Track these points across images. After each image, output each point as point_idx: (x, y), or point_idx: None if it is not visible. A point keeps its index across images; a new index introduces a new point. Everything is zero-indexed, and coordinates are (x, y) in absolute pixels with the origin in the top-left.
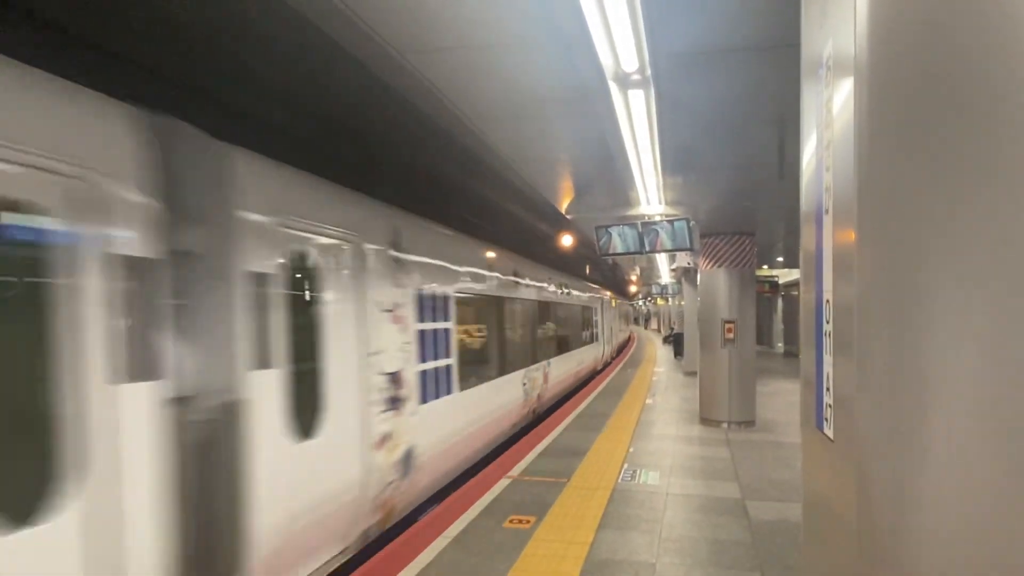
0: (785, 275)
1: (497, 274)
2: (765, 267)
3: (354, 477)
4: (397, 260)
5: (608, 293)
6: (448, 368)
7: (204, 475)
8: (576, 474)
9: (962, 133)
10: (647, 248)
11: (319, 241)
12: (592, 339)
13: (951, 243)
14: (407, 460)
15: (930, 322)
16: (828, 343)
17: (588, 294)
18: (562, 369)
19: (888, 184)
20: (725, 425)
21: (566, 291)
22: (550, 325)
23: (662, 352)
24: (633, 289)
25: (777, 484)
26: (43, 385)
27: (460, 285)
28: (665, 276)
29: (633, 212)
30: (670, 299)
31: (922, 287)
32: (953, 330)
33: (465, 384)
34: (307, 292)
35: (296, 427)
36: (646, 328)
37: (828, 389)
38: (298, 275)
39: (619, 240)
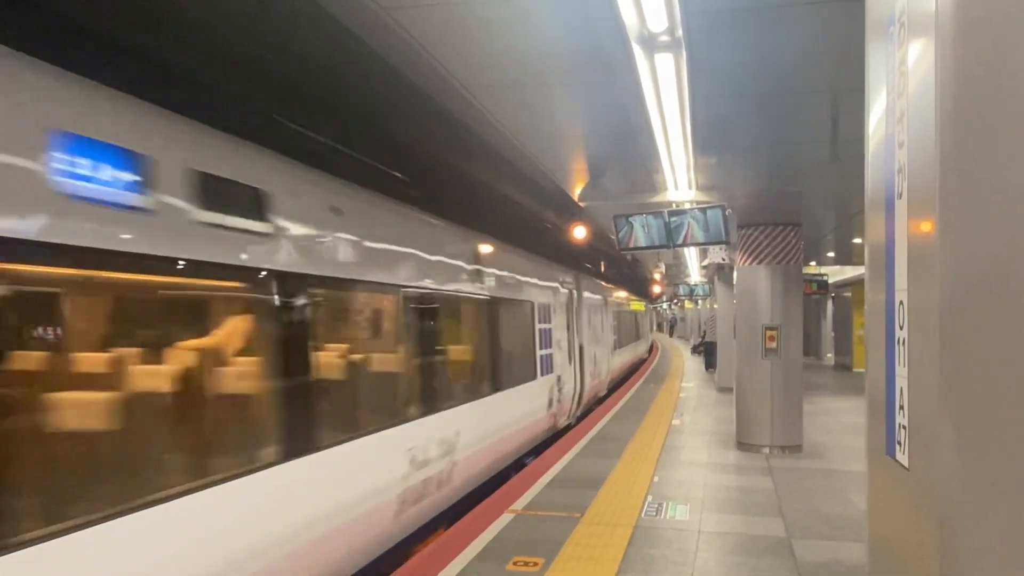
0: (836, 273)
1: None
2: (813, 263)
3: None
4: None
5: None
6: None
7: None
8: (591, 508)
9: None
10: (675, 241)
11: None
12: None
13: None
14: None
15: None
16: (902, 352)
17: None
18: None
19: (976, 163)
20: (767, 450)
21: None
22: None
23: (691, 364)
24: (657, 290)
25: (829, 520)
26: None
27: None
28: (695, 274)
29: (658, 199)
30: (699, 301)
31: (1018, 284)
32: None
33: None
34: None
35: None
36: (671, 335)
37: (902, 408)
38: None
39: (642, 232)
